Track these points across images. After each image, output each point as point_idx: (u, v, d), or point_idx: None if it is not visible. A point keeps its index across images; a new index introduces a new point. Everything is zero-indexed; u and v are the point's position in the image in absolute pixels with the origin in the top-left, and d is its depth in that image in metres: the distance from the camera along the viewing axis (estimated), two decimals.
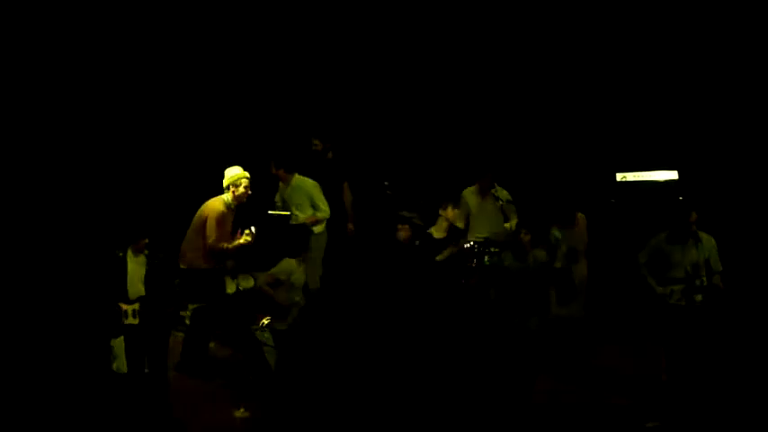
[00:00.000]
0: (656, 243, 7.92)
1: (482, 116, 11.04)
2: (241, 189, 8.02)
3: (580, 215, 8.85)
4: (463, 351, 8.02)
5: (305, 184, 9.30)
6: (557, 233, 8.55)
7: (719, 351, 7.90)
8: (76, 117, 9.98)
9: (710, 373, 7.70)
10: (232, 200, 8.04)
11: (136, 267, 7.61)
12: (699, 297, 7.69)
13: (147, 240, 8.12)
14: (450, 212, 8.90)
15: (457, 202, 9.04)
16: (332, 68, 11.08)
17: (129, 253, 7.80)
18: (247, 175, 8.08)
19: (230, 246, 8.00)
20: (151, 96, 10.49)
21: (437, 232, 8.94)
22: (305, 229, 9.03)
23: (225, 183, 8.08)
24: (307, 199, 9.24)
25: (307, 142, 9.76)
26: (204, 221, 7.95)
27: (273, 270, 8.35)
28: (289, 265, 8.30)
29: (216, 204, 8.01)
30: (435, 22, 10.94)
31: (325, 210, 9.26)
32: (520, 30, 10.90)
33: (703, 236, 7.83)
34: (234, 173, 8.06)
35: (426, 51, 11.04)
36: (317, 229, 9.25)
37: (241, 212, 8.31)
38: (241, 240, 7.99)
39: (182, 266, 8.03)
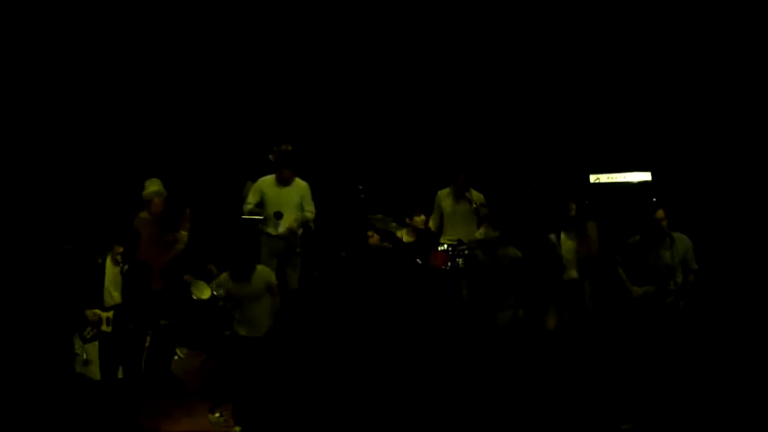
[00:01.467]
0: (631, 244, 7.97)
1: (455, 118, 11.07)
2: (153, 207, 8.36)
3: (590, 224, 8.82)
4: (437, 349, 8.08)
5: (301, 185, 9.18)
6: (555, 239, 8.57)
7: (693, 351, 7.94)
8: (57, 122, 10.06)
9: (684, 374, 7.74)
10: (151, 214, 8.34)
11: (114, 275, 7.56)
12: (671, 298, 7.75)
13: (121, 249, 8.09)
14: (417, 219, 9.08)
15: (424, 207, 9.19)
16: (305, 69, 11.08)
17: (108, 260, 7.77)
18: (162, 193, 8.35)
19: (177, 249, 8.29)
20: (130, 105, 10.52)
21: (407, 236, 9.03)
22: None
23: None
24: (300, 199, 9.15)
25: (278, 145, 9.68)
26: (148, 248, 7.98)
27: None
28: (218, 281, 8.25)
29: (145, 230, 8.06)
30: (410, 26, 10.98)
31: (313, 210, 9.20)
32: (492, 33, 10.95)
33: (678, 236, 7.89)
34: (147, 191, 8.38)
35: (400, 54, 11.07)
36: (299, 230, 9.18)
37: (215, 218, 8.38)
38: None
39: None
